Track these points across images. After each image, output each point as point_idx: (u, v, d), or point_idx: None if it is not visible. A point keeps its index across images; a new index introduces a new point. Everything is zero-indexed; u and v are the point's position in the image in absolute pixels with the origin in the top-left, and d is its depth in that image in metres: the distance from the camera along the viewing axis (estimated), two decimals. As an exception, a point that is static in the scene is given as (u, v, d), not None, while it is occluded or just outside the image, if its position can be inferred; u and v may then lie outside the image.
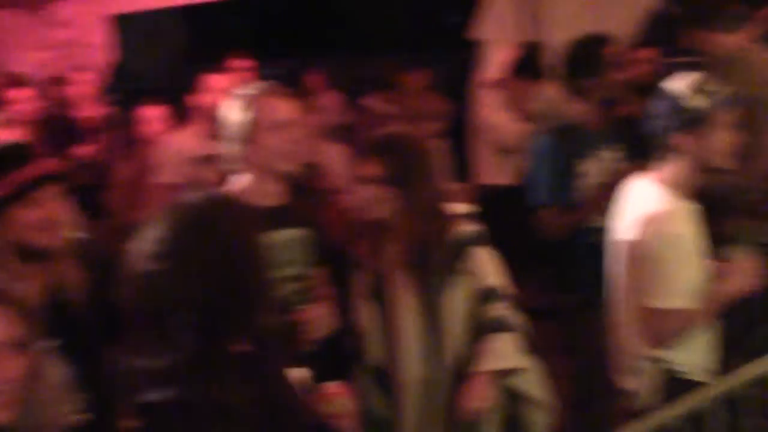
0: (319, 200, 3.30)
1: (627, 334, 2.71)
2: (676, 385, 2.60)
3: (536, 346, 2.63)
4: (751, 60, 3.67)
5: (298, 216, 2.58)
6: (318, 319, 2.45)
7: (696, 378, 2.65)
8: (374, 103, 5.65)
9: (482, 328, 2.56)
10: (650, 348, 2.64)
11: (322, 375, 2.07)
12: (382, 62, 6.03)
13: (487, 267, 2.64)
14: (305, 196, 2.69)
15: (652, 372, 2.65)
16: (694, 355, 2.66)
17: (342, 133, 7.07)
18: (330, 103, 7.99)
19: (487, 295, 2.59)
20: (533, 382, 2.63)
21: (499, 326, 2.55)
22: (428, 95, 5.02)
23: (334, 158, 4.55)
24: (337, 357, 2.57)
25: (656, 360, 2.64)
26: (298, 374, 2.00)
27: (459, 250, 2.62)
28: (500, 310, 2.58)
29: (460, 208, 2.72)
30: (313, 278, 2.59)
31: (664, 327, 2.58)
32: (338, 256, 2.72)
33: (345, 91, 7.01)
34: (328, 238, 2.69)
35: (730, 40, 3.70)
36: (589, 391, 3.07)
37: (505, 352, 2.54)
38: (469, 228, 2.66)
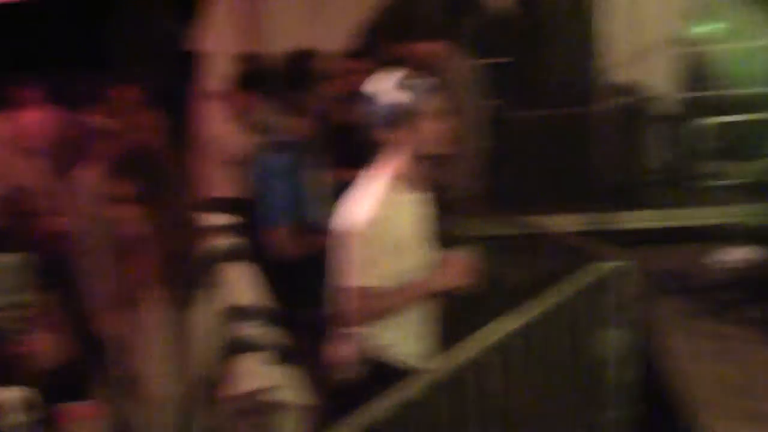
0: (31, 222, 3.10)
1: (339, 312, 2.84)
2: (376, 363, 2.80)
3: (293, 357, 2.59)
4: (450, 64, 4.00)
5: (11, 240, 2.44)
6: (43, 348, 2.32)
7: (397, 358, 2.82)
8: (88, 118, 5.42)
9: (231, 348, 2.49)
10: (349, 324, 2.79)
11: (65, 396, 1.98)
12: (99, 76, 5.80)
13: (240, 283, 2.56)
14: (17, 219, 2.54)
15: (356, 347, 2.81)
16: (397, 336, 2.83)
17: (54, 150, 6.71)
18: (42, 118, 7.55)
19: (237, 313, 2.52)
20: (285, 391, 2.58)
21: (248, 346, 2.49)
22: (140, 108, 4.90)
23: (41, 178, 4.31)
24: (79, 378, 2.43)
25: (361, 336, 2.80)
26: (12, 395, 1.90)
27: (209, 264, 2.54)
28: (250, 328, 2.50)
29: (219, 219, 2.63)
30: (34, 305, 2.45)
31: (360, 305, 2.73)
32: (60, 278, 2.60)
33: (62, 105, 6.64)
34: (47, 261, 2.56)
35: (431, 48, 4.02)
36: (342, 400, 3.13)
37: (255, 372, 2.47)
38: (223, 242, 2.57)
